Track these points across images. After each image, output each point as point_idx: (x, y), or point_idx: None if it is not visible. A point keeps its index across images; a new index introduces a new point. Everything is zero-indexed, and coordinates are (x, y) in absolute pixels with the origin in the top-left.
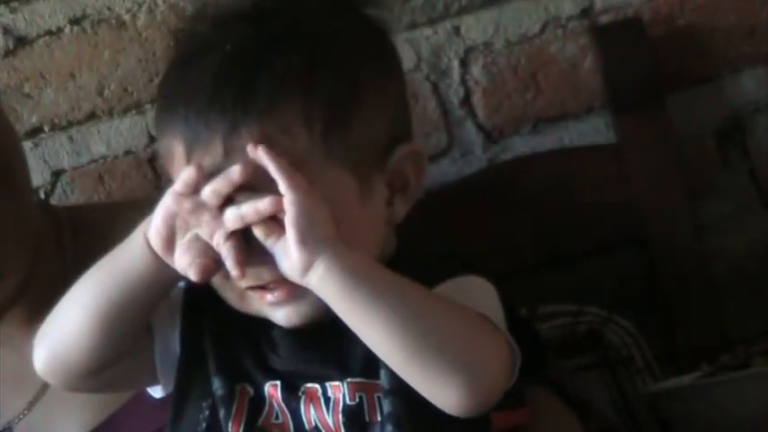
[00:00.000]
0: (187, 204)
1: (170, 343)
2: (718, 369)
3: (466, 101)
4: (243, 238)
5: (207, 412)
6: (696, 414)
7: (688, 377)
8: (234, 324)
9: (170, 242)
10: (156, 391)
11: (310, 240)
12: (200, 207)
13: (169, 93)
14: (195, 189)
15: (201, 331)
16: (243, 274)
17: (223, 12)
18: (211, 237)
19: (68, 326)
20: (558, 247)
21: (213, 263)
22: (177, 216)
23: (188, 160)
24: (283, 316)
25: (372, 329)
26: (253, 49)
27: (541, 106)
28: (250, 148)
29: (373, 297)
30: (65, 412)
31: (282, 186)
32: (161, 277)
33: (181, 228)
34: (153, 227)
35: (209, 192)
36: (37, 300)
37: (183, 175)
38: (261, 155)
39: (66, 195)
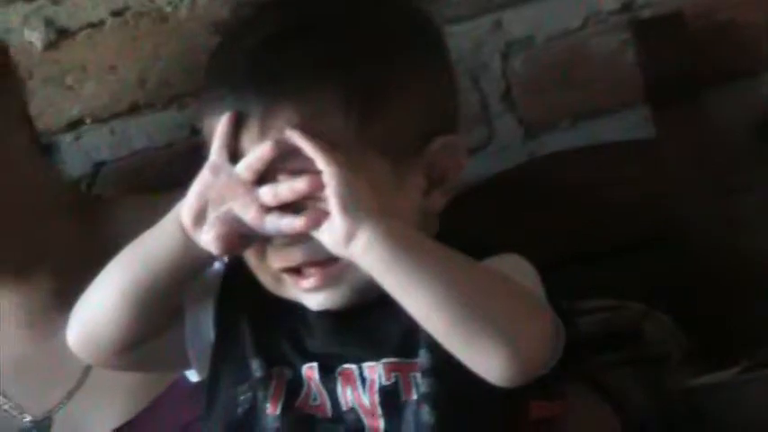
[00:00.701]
0: (223, 177)
1: (201, 326)
2: (755, 365)
3: (506, 95)
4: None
5: (247, 395)
6: (733, 410)
7: (725, 373)
8: (271, 307)
9: (200, 216)
10: (193, 375)
11: (353, 210)
12: (235, 181)
13: (211, 73)
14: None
15: (238, 315)
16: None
17: None
18: (245, 212)
19: (99, 302)
20: (595, 243)
21: (237, 238)
22: (212, 189)
23: (225, 135)
24: (317, 301)
25: (416, 298)
26: (293, 32)
27: (581, 101)
28: (286, 131)
29: (417, 265)
30: (104, 402)
31: (320, 162)
32: (188, 257)
33: (214, 202)
34: (186, 201)
35: (244, 166)
36: (75, 292)
37: (218, 147)
38: (294, 136)
39: (107, 188)
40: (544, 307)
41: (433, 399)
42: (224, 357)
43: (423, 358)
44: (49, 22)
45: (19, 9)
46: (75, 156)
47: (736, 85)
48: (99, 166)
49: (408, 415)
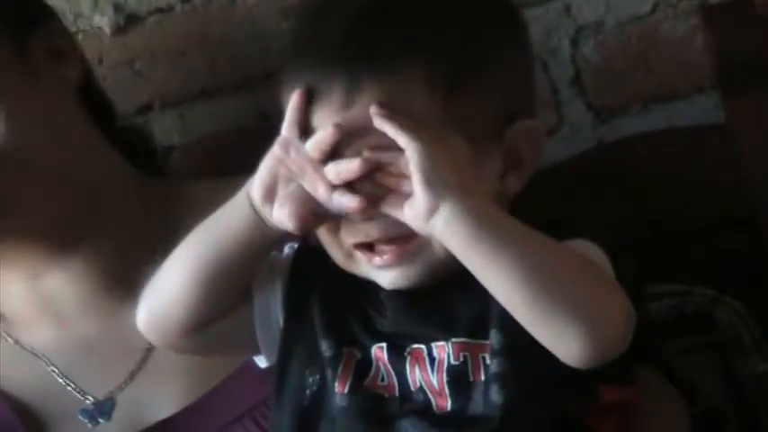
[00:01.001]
0: (293, 152)
1: (270, 309)
2: None
3: (576, 80)
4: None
5: (315, 376)
6: None
7: None
8: (340, 288)
9: (271, 192)
10: (261, 361)
11: (435, 184)
12: (304, 158)
13: (298, 41)
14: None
15: (308, 296)
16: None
17: None
18: (315, 189)
19: (168, 283)
20: (666, 228)
21: (310, 214)
22: (281, 165)
23: (308, 104)
24: (389, 279)
25: (496, 275)
26: (382, 9)
27: (651, 86)
28: (372, 111)
29: (498, 242)
30: (167, 382)
31: (402, 139)
32: (258, 235)
33: (284, 178)
34: (257, 177)
35: (312, 144)
36: (137, 273)
37: (288, 123)
38: (375, 115)
39: (176, 173)
40: (620, 290)
41: (502, 378)
42: (294, 339)
43: (493, 339)
44: (118, 8)
45: None
46: None
47: None
48: (168, 150)
49: (477, 395)
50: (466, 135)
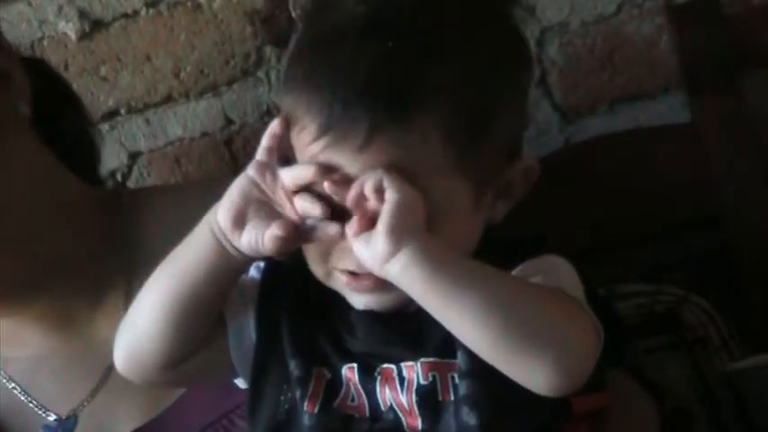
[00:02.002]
0: (269, 178)
1: (244, 333)
2: None
3: (542, 81)
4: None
5: (288, 395)
6: None
7: (765, 356)
8: (311, 309)
9: (241, 216)
10: (242, 383)
11: (398, 231)
12: (278, 185)
13: (313, 66)
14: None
15: (278, 317)
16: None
17: None
18: (288, 214)
19: (141, 321)
20: (634, 228)
21: (290, 238)
22: (256, 188)
23: (317, 139)
24: (363, 302)
25: (456, 318)
26: (410, 51)
27: (617, 86)
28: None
29: (456, 286)
30: (128, 400)
31: (386, 182)
32: (223, 265)
33: (257, 201)
34: (225, 200)
35: (290, 176)
36: (98, 285)
37: (266, 148)
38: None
39: (143, 178)
40: (586, 313)
41: (473, 400)
42: (267, 360)
43: (460, 360)
44: (83, 13)
45: (53, 0)
46: (111, 146)
47: None
48: (134, 156)
49: (448, 416)
50: (473, 179)
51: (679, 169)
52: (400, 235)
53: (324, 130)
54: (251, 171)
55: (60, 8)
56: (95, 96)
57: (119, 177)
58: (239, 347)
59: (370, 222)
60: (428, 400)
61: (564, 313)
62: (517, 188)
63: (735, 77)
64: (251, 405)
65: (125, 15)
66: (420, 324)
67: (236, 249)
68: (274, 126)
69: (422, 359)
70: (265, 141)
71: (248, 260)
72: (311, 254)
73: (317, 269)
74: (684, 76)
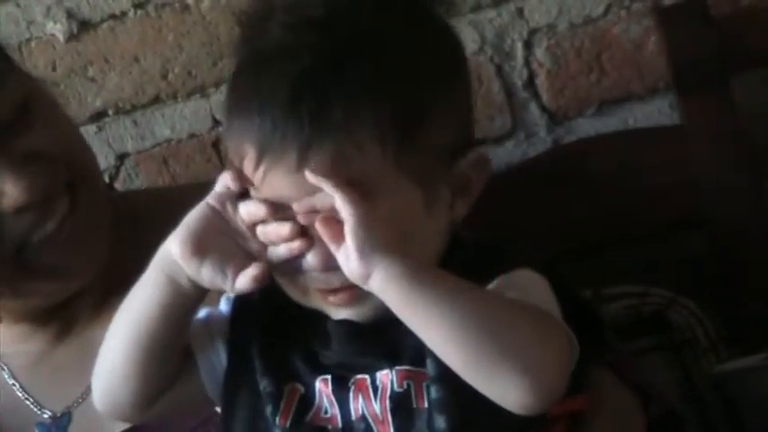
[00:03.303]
0: (229, 208)
1: (215, 365)
2: None
3: (530, 83)
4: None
5: (260, 416)
6: (761, 395)
7: (753, 358)
8: (283, 328)
9: (200, 244)
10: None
11: (368, 251)
12: (238, 218)
13: (242, 94)
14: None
15: (249, 340)
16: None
17: (294, 14)
18: (254, 248)
19: (109, 365)
20: (623, 229)
21: (265, 268)
22: (217, 217)
23: (258, 164)
24: (343, 315)
25: (433, 333)
26: (327, 63)
27: (606, 88)
28: (307, 175)
29: (432, 303)
30: None
31: (338, 201)
32: (178, 301)
33: (217, 230)
34: (182, 229)
35: (245, 211)
36: (100, 288)
37: (228, 177)
38: (312, 177)
39: (131, 179)
40: (560, 328)
41: (444, 405)
42: (236, 383)
43: (429, 366)
44: (71, 14)
45: (41, 1)
46: (99, 147)
47: (763, 70)
48: (122, 157)
49: (420, 423)
50: (418, 180)
51: (667, 171)
52: (370, 255)
53: (261, 155)
54: (211, 200)
55: (48, 9)
56: (83, 97)
57: (106, 179)
58: (213, 380)
59: (338, 237)
60: (403, 407)
61: (539, 333)
62: (473, 183)
63: (723, 79)
64: (225, 424)
65: (113, 16)
66: (395, 334)
67: (191, 281)
68: (236, 159)
69: (397, 367)
70: (225, 172)
71: (202, 293)
72: (282, 279)
73: (292, 292)
74: (673, 77)
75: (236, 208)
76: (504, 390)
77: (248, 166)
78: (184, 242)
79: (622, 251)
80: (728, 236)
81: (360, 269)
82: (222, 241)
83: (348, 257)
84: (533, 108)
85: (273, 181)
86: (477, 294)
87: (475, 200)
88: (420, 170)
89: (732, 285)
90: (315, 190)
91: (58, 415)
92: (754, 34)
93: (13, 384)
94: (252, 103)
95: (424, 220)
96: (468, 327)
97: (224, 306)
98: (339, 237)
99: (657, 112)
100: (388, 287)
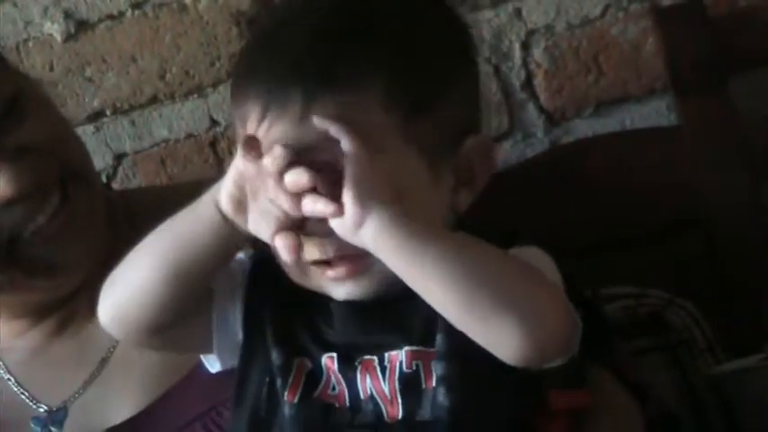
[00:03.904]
0: (252, 169)
1: (228, 315)
2: None
3: (527, 84)
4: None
5: (268, 385)
6: (759, 396)
7: (750, 359)
8: (293, 298)
9: (241, 204)
10: (213, 365)
11: (366, 197)
12: (264, 172)
13: (251, 59)
14: (258, 154)
15: (262, 307)
16: (295, 253)
17: None
18: (279, 201)
19: (133, 283)
20: (620, 230)
21: (298, 238)
22: (246, 180)
23: (261, 122)
24: (344, 291)
25: (427, 280)
26: (342, 27)
27: (603, 89)
28: (314, 119)
29: (426, 250)
30: (119, 392)
31: (345, 144)
32: (227, 239)
33: (251, 191)
34: (224, 189)
35: (268, 161)
36: (97, 285)
37: (245, 139)
38: (322, 121)
39: (128, 179)
40: (560, 294)
41: (447, 381)
42: (253, 348)
43: (439, 343)
44: (68, 14)
45: (39, 1)
46: (97, 147)
47: (760, 70)
48: (120, 157)
49: (426, 401)
50: (422, 153)
51: (665, 172)
52: (368, 199)
53: (264, 110)
54: (238, 162)
55: (46, 9)
56: (81, 97)
57: (104, 179)
58: (222, 329)
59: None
60: (411, 387)
61: (535, 284)
62: (478, 171)
63: (720, 80)
64: (236, 393)
65: (110, 17)
66: (402, 313)
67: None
68: (252, 116)
69: (406, 347)
70: (247, 131)
71: (249, 236)
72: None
73: (291, 270)
74: (670, 78)
75: (259, 167)
76: (501, 337)
77: (251, 127)
78: (227, 201)
79: (620, 252)
80: (726, 237)
81: (354, 216)
82: (257, 199)
83: (344, 205)
84: (531, 108)
85: (277, 134)
86: (473, 244)
87: (478, 193)
88: (425, 144)
89: (727, 287)
90: (317, 143)
91: (54, 409)
92: (752, 35)
93: (9, 379)
94: (259, 60)
95: (428, 190)
96: (464, 275)
97: (242, 255)
98: (336, 188)
99: (655, 112)
100: (381, 236)
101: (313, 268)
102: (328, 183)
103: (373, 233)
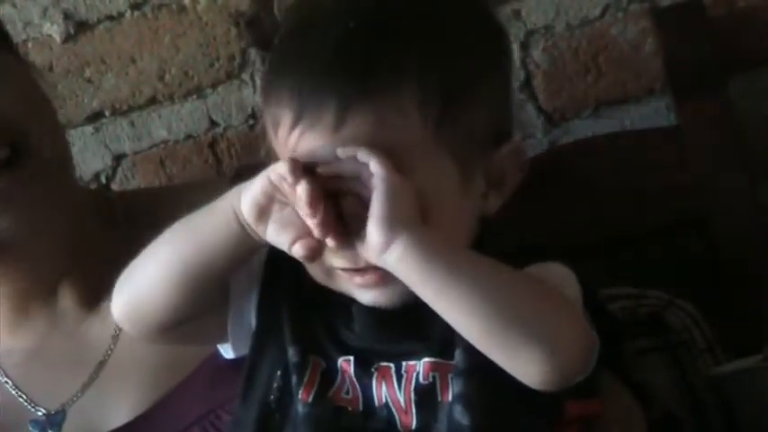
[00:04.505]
0: (288, 183)
1: (244, 308)
2: None
3: (527, 84)
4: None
5: (280, 380)
6: (759, 396)
7: (750, 359)
8: (311, 297)
9: (264, 213)
10: (227, 351)
11: (393, 220)
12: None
13: (283, 60)
14: (300, 177)
15: (280, 301)
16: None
17: None
18: (308, 216)
19: (147, 280)
20: (619, 230)
21: (319, 243)
22: (277, 191)
23: (293, 128)
24: (370, 297)
25: (451, 306)
26: (375, 29)
27: (602, 89)
28: (340, 150)
29: (451, 275)
30: (118, 394)
31: (373, 167)
32: (244, 246)
33: (279, 202)
34: (250, 196)
35: (301, 190)
36: (87, 283)
37: (290, 163)
38: (345, 151)
39: (128, 180)
40: (579, 315)
41: (466, 399)
42: (265, 341)
43: (458, 358)
44: (68, 15)
45: (38, 2)
46: (96, 148)
47: (759, 71)
48: (119, 158)
49: (442, 415)
50: (455, 157)
51: (664, 172)
52: (393, 225)
53: (297, 118)
54: (273, 174)
55: (45, 10)
56: (80, 98)
57: (103, 179)
58: (238, 321)
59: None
60: (428, 399)
61: (558, 308)
62: (508, 176)
63: (720, 80)
64: (245, 385)
65: (110, 17)
66: (422, 323)
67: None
68: (291, 138)
69: (425, 359)
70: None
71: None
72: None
73: (315, 271)
74: (669, 79)
75: (294, 184)
76: (524, 362)
77: (283, 133)
78: (251, 208)
79: (619, 252)
80: (725, 237)
81: (381, 238)
82: (284, 210)
83: (369, 227)
84: (530, 109)
85: (308, 144)
86: (499, 268)
87: (508, 197)
88: (459, 147)
89: (727, 287)
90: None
91: (53, 413)
92: (751, 35)
93: (6, 382)
94: (292, 66)
95: (457, 199)
96: (488, 300)
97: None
98: (363, 207)
99: (654, 113)
100: (406, 260)
101: (340, 272)
102: (357, 203)
103: (397, 258)
